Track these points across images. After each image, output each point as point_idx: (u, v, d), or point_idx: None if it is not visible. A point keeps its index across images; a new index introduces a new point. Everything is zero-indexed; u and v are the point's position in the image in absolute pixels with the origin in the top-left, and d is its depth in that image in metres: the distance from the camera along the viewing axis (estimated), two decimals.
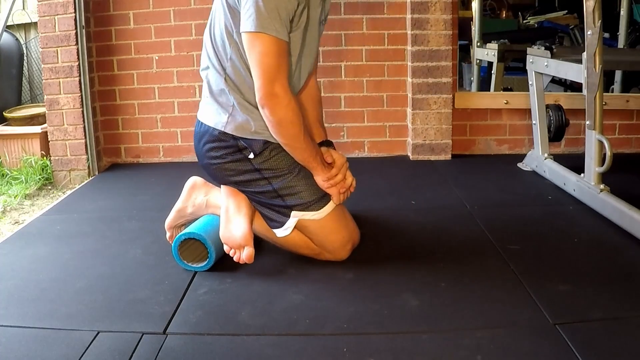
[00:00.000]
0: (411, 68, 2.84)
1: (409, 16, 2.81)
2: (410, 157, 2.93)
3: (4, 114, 3.18)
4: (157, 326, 1.40)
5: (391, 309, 1.47)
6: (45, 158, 2.93)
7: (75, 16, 2.68)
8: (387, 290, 1.57)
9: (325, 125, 1.89)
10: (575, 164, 2.34)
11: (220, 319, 1.45)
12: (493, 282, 1.60)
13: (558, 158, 2.54)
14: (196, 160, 1.80)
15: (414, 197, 2.35)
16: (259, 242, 1.74)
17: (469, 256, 1.78)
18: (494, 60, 3.35)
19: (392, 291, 1.56)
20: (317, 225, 1.69)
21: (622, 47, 3.31)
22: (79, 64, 2.72)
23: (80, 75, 2.74)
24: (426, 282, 1.61)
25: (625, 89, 3.22)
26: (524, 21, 4.11)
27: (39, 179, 2.84)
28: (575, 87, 3.24)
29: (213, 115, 1.69)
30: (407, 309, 1.47)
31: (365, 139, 2.99)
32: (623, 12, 3.27)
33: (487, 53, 3.42)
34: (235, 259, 1.66)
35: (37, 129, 2.99)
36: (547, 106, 2.61)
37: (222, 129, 1.66)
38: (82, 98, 2.76)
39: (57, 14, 2.69)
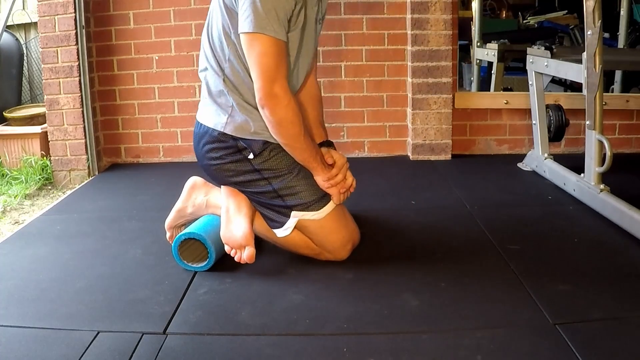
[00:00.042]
0: (411, 68, 2.84)
1: (409, 16, 2.81)
2: (410, 157, 2.93)
3: (4, 114, 3.18)
4: (157, 326, 1.40)
5: (391, 309, 1.47)
6: (45, 158, 2.93)
7: (75, 16, 2.68)
8: (387, 290, 1.57)
9: (326, 125, 1.89)
10: (575, 164, 2.34)
11: (220, 319, 1.45)
12: (493, 282, 1.60)
13: (558, 158, 2.54)
14: (196, 160, 1.80)
15: (414, 197, 2.35)
16: (259, 242, 1.74)
17: (469, 256, 1.78)
18: (494, 60, 3.35)
19: (392, 291, 1.56)
20: (317, 225, 1.69)
21: (622, 47, 3.31)
22: (79, 64, 2.72)
23: (80, 75, 2.74)
24: (426, 282, 1.61)
25: (625, 89, 3.22)
26: (524, 21, 4.11)
27: (39, 179, 2.84)
28: (575, 87, 3.24)
29: (212, 116, 1.69)
30: (407, 309, 1.47)
31: (365, 139, 2.99)
32: (623, 12, 3.27)
33: (487, 53, 3.42)
34: (236, 259, 1.66)
35: (37, 129, 2.99)
36: (547, 106, 2.61)
37: (222, 130, 1.66)
38: (82, 98, 2.76)
39: (57, 14, 2.69)
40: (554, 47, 2.45)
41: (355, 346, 1.31)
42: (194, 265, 1.71)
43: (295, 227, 1.70)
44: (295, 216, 1.68)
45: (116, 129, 2.97)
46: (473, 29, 3.52)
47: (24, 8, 3.87)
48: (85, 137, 2.79)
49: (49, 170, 2.88)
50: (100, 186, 2.67)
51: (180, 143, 2.97)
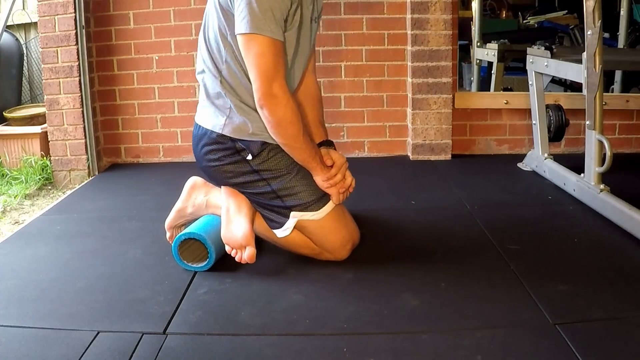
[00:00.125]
0: (411, 68, 2.84)
1: (409, 16, 2.81)
2: (410, 157, 2.93)
3: (4, 114, 3.18)
4: (157, 326, 1.40)
5: (391, 309, 1.47)
6: (45, 158, 2.93)
7: (75, 16, 2.68)
8: (387, 290, 1.57)
9: (326, 125, 1.89)
10: (575, 164, 2.34)
11: (220, 319, 1.45)
12: (493, 282, 1.60)
13: (558, 158, 2.54)
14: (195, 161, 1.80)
15: (414, 197, 2.35)
16: (259, 242, 1.74)
17: (469, 256, 1.78)
18: (494, 60, 3.35)
19: (392, 291, 1.56)
20: (317, 226, 1.69)
21: (622, 47, 3.31)
22: (79, 64, 2.72)
23: (80, 75, 2.74)
24: (426, 282, 1.61)
25: (625, 89, 3.22)
26: (524, 21, 4.11)
27: (39, 179, 2.84)
28: (575, 87, 3.24)
29: (210, 118, 1.69)
30: (407, 309, 1.47)
31: (365, 139, 2.99)
32: (623, 12, 3.27)
33: (487, 53, 3.42)
34: (236, 259, 1.66)
35: (37, 129, 2.99)
36: (547, 106, 2.61)
37: (220, 132, 1.66)
38: (82, 98, 2.76)
39: (57, 14, 2.69)
40: (554, 47, 2.45)
41: (355, 346, 1.31)
42: (194, 265, 1.71)
43: (294, 228, 1.70)
44: (295, 216, 1.68)
45: (116, 129, 2.97)
46: (473, 29, 3.52)
47: (24, 8, 3.88)
48: (85, 137, 2.79)
49: (49, 170, 2.88)
50: (100, 186, 2.67)
51: (180, 143, 2.97)
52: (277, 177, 1.67)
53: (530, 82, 2.61)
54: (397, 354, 1.27)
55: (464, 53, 3.52)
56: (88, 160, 2.81)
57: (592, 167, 2.11)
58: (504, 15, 4.14)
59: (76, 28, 2.69)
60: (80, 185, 2.70)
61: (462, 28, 3.15)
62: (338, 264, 1.72)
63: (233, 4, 1.55)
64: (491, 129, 3.00)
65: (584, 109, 2.11)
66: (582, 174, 2.19)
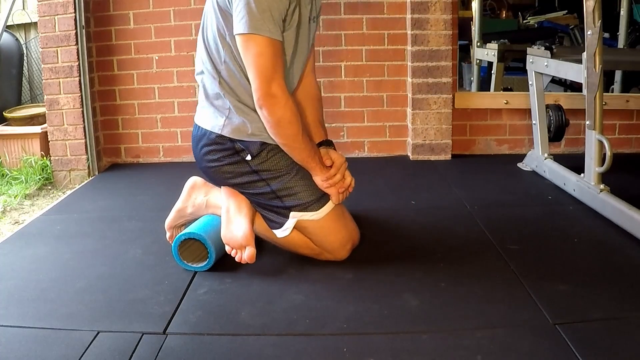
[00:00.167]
0: (411, 68, 2.84)
1: (409, 16, 2.81)
2: (410, 157, 2.93)
3: (4, 114, 3.18)
4: (157, 326, 1.40)
5: (391, 309, 1.47)
6: (45, 158, 2.93)
7: (75, 16, 2.68)
8: (387, 290, 1.57)
9: (326, 125, 1.89)
10: (575, 164, 2.34)
11: (220, 319, 1.45)
12: (493, 282, 1.60)
13: (558, 158, 2.54)
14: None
15: (414, 197, 2.35)
16: (259, 242, 1.74)
17: (469, 256, 1.78)
18: (494, 60, 3.35)
19: (392, 291, 1.56)
20: (316, 226, 1.69)
21: (622, 47, 3.31)
22: (79, 64, 2.72)
23: (80, 75, 2.74)
24: (426, 282, 1.61)
25: (625, 89, 3.22)
26: (524, 21, 4.11)
27: (39, 179, 2.84)
28: (575, 87, 3.24)
29: (210, 119, 1.69)
30: (407, 309, 1.47)
31: (365, 139, 2.99)
32: (623, 12, 3.27)
33: (487, 53, 3.42)
34: (237, 259, 1.66)
35: (37, 129, 2.99)
36: (547, 106, 2.61)
37: (219, 132, 1.66)
38: (82, 98, 2.76)
39: (57, 14, 2.69)
40: (554, 47, 2.45)
41: (355, 346, 1.31)
42: (194, 265, 1.71)
43: (294, 228, 1.70)
44: (294, 217, 1.68)
45: (116, 129, 2.97)
46: (473, 29, 3.52)
47: (24, 8, 3.87)
48: (85, 137, 2.79)
49: (49, 170, 2.88)
50: (100, 186, 2.67)
51: (180, 143, 2.97)
52: (276, 177, 1.67)
53: (530, 82, 2.61)
54: (397, 354, 1.27)
55: (464, 53, 3.52)
56: (88, 160, 2.81)
57: (592, 167, 2.11)
58: (504, 15, 4.14)
59: (76, 28, 2.69)
60: (80, 185, 2.70)
61: (462, 28, 3.15)
62: (338, 264, 1.72)
63: (231, 5, 1.55)
64: (491, 129, 3.00)
65: (584, 109, 2.11)
66: (582, 174, 2.19)
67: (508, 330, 1.36)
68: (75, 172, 2.81)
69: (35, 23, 3.36)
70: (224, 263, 1.72)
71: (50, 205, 2.45)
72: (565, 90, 3.39)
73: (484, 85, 3.43)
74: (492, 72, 3.36)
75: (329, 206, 1.70)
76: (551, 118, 2.58)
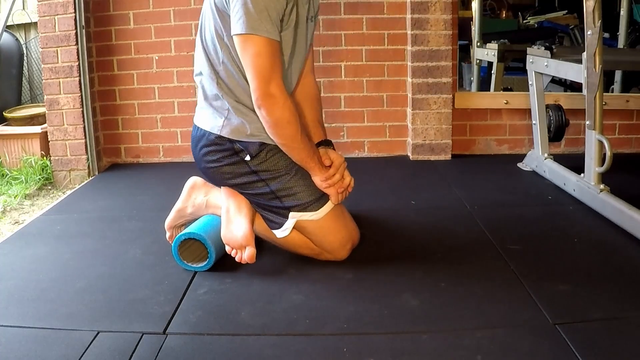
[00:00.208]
0: (411, 68, 2.84)
1: (409, 16, 2.81)
2: (410, 157, 2.93)
3: (4, 114, 3.18)
4: (157, 326, 1.40)
5: (391, 309, 1.47)
6: (45, 158, 2.93)
7: (75, 16, 2.68)
8: (387, 290, 1.57)
9: (325, 125, 1.89)
10: (575, 164, 2.34)
11: (220, 319, 1.45)
12: (493, 282, 1.60)
13: (558, 158, 2.54)
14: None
15: (414, 197, 2.35)
16: (259, 242, 1.74)
17: (469, 256, 1.78)
18: (494, 60, 3.35)
19: (392, 291, 1.56)
20: (316, 226, 1.69)
21: (622, 47, 3.31)
22: (79, 64, 2.72)
23: (80, 75, 2.74)
24: (426, 282, 1.61)
25: (625, 89, 3.22)
26: (524, 21, 4.11)
27: (39, 179, 2.84)
28: (575, 87, 3.24)
29: (209, 120, 1.69)
30: (407, 309, 1.47)
31: (365, 139, 2.99)
32: (623, 12, 3.27)
33: (487, 53, 3.42)
34: (237, 259, 1.66)
35: (37, 129, 2.99)
36: (547, 106, 2.61)
37: (218, 133, 1.66)
38: (82, 98, 2.76)
39: (57, 14, 2.69)
40: (554, 47, 2.45)
41: (355, 346, 1.31)
42: (194, 265, 1.71)
43: (294, 228, 1.70)
44: (294, 217, 1.68)
45: (116, 129, 2.97)
46: (473, 29, 3.52)
47: (24, 8, 3.88)
48: (85, 137, 2.79)
49: (49, 170, 2.88)
50: (100, 186, 2.67)
51: (180, 143, 2.97)
52: (275, 177, 1.67)
53: (530, 82, 2.61)
54: (397, 354, 1.27)
55: (464, 53, 3.52)
56: (88, 160, 2.81)
57: (592, 167, 2.11)
58: (504, 15, 4.14)
59: (76, 28, 2.69)
60: (80, 185, 2.70)
61: (462, 28, 3.15)
62: (338, 264, 1.72)
63: (228, 5, 1.55)
64: (491, 129, 3.00)
65: (584, 109, 2.11)
66: (582, 174, 2.19)
67: (508, 330, 1.36)
68: (75, 172, 2.81)
69: (35, 23, 3.36)
70: (224, 263, 1.72)
71: (50, 205, 2.45)
72: (565, 90, 3.39)
73: (484, 85, 3.43)
74: (492, 72, 3.36)
75: (328, 206, 1.70)
76: (551, 118, 2.58)
